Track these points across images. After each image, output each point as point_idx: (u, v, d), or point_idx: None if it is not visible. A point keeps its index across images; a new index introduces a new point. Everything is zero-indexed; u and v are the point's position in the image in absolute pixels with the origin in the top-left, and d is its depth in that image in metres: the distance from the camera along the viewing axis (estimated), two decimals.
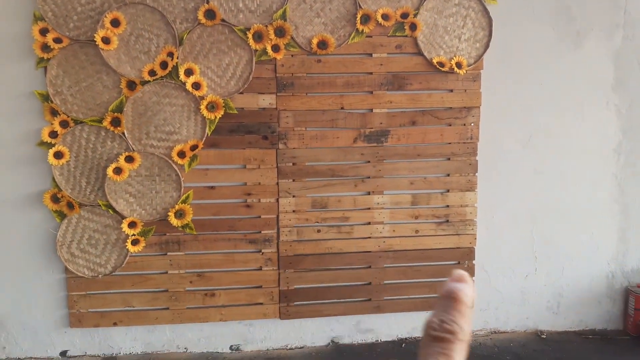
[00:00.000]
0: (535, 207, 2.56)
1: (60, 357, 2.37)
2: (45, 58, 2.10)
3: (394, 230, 2.43)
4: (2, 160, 2.19)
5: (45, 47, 2.09)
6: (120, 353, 2.39)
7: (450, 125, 2.40)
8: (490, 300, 2.61)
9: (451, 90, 2.37)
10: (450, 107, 2.38)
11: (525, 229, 2.58)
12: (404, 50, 2.30)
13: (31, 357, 2.35)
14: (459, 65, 2.32)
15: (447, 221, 2.47)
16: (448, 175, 2.44)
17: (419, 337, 2.56)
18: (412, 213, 2.44)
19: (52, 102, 2.13)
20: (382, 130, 2.35)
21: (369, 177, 2.39)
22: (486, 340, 2.59)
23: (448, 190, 2.45)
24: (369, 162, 2.38)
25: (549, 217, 2.57)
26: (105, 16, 2.06)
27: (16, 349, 2.34)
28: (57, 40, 2.08)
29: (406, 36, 2.29)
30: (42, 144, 2.16)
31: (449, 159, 2.43)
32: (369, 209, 2.41)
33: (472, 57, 2.35)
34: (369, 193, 2.41)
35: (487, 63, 2.36)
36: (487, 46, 2.33)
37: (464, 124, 2.40)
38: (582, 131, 2.51)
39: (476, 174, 2.44)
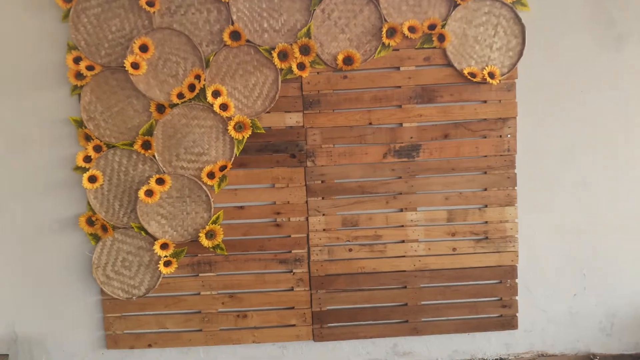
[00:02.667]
0: (581, 220, 2.40)
1: None
2: (79, 85, 2.17)
3: (429, 249, 2.34)
4: (40, 185, 2.26)
5: (78, 75, 2.16)
6: None
7: (485, 137, 2.29)
8: (535, 321, 2.45)
9: (485, 102, 2.28)
10: (485, 119, 2.28)
11: (570, 244, 2.42)
12: (433, 62, 2.24)
13: None
14: (491, 75, 2.23)
15: (486, 238, 2.35)
16: (485, 189, 2.33)
17: None
18: (448, 230, 2.34)
19: (85, 127, 2.19)
20: (412, 144, 2.28)
21: (400, 194, 2.31)
22: None
23: (486, 206, 2.34)
24: (400, 177, 2.30)
25: (596, 230, 2.40)
26: (134, 42, 2.11)
27: None
28: (90, 68, 2.15)
29: (435, 48, 2.23)
30: (77, 168, 2.22)
31: (485, 172, 2.32)
32: (402, 226, 2.33)
33: (506, 66, 2.25)
34: (401, 210, 2.33)
35: (522, 72, 2.26)
36: (520, 54, 2.23)
37: (500, 136, 2.29)
38: (628, 139, 2.35)
39: (515, 188, 2.32)
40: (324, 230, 2.31)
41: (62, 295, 2.34)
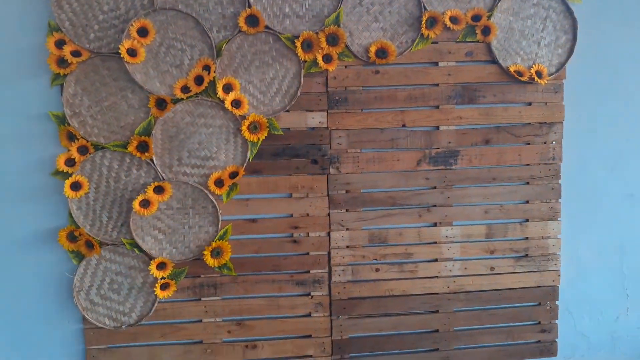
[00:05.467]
0: (627, 237, 2.19)
1: None
2: (61, 74, 1.80)
3: (465, 268, 2.07)
4: (13, 191, 1.88)
5: (61, 62, 1.79)
6: None
7: (529, 143, 2.04)
8: (576, 347, 2.22)
9: (530, 104, 2.03)
10: (529, 123, 2.03)
11: (614, 263, 2.20)
12: (476, 58, 1.97)
13: None
14: (539, 74, 1.98)
15: (527, 256, 2.10)
16: (527, 202, 2.08)
17: None
18: (486, 247, 2.08)
19: (69, 124, 1.82)
20: (450, 150, 2.01)
21: (435, 206, 2.04)
22: None
23: (527, 220, 2.09)
24: (435, 188, 2.03)
25: None
26: (132, 24, 1.77)
27: None
28: (76, 54, 1.79)
29: (478, 42, 1.96)
30: (58, 173, 1.85)
31: (528, 183, 2.07)
32: (436, 243, 2.05)
33: (554, 65, 2.01)
34: (435, 224, 2.05)
35: (571, 72, 2.02)
36: (570, 52, 1.99)
37: (545, 142, 2.05)
38: None
39: (559, 200, 2.08)
40: (347, 247, 2.01)
41: (36, 323, 1.96)
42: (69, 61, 1.78)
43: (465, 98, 1.99)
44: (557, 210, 2.08)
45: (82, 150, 1.84)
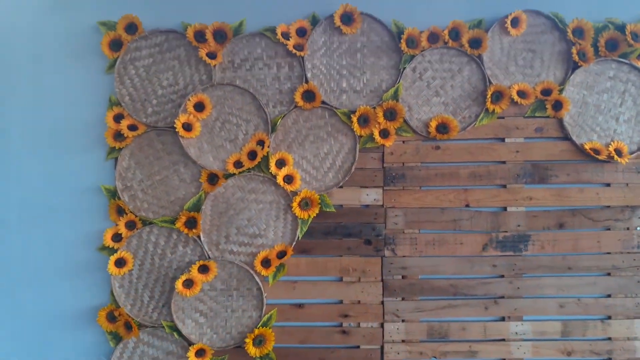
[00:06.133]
0: None
1: None
2: (117, 148, 1.80)
3: None
4: (59, 265, 1.83)
5: (117, 135, 1.79)
6: None
7: (609, 229, 1.82)
8: None
9: (608, 185, 1.83)
10: (608, 206, 1.82)
11: None
12: (546, 134, 1.83)
13: None
14: (618, 152, 1.80)
15: (610, 359, 1.81)
16: (609, 296, 1.82)
17: None
18: (562, 347, 1.81)
19: (119, 198, 1.80)
20: (520, 234, 1.82)
21: (503, 297, 1.82)
22: None
23: (610, 317, 1.82)
24: (503, 276, 1.82)
25: None
26: (189, 99, 1.77)
27: None
28: (132, 128, 1.79)
29: (548, 117, 1.82)
30: (104, 248, 1.80)
31: (609, 274, 1.82)
32: (504, 340, 1.81)
33: (635, 143, 1.82)
34: (503, 319, 1.82)
35: None
36: None
37: (628, 228, 1.82)
38: None
39: None
40: (403, 341, 1.81)
41: None
42: (125, 135, 1.78)
43: (536, 177, 1.83)
44: None
45: (130, 225, 1.79)
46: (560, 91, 1.80)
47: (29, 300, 1.85)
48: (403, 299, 1.82)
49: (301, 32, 1.81)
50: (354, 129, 1.79)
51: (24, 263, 1.85)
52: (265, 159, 1.78)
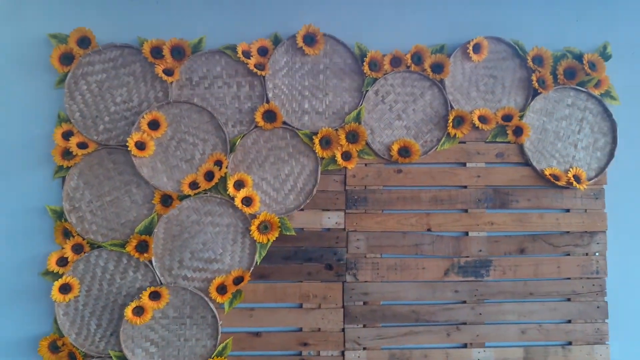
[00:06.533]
0: None
1: None
2: (65, 166, 1.71)
3: None
4: (0, 292, 1.73)
5: (66, 154, 1.70)
6: None
7: (568, 254, 1.83)
8: None
9: (568, 210, 1.84)
10: (568, 232, 1.83)
11: None
12: (507, 160, 1.83)
13: None
14: (577, 178, 1.82)
15: None
16: (569, 321, 1.82)
17: None
18: None
19: (66, 220, 1.70)
20: (481, 259, 1.81)
21: (465, 323, 1.79)
22: None
23: (570, 343, 1.82)
24: (465, 302, 1.80)
25: None
26: (143, 116, 1.69)
27: None
28: (82, 145, 1.70)
29: (509, 142, 1.83)
30: (48, 273, 1.69)
31: (569, 299, 1.82)
32: None
33: (593, 169, 1.85)
34: (465, 345, 1.79)
35: (612, 176, 1.85)
36: (611, 156, 1.84)
37: (587, 254, 1.83)
38: None
39: (606, 321, 1.82)
40: None
41: None
42: (74, 153, 1.68)
43: (497, 202, 1.82)
44: (604, 332, 1.81)
45: (77, 249, 1.69)
46: (521, 117, 1.82)
47: None
48: (364, 325, 1.77)
49: (263, 52, 1.77)
50: (316, 151, 1.75)
51: None
52: (223, 180, 1.72)
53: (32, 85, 1.75)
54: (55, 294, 1.65)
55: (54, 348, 1.66)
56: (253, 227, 1.72)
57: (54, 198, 1.72)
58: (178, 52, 1.74)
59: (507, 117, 1.81)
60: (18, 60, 1.75)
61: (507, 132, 1.82)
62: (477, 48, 1.82)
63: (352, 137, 1.78)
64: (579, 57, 1.84)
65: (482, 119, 1.81)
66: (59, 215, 1.71)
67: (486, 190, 1.82)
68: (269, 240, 1.73)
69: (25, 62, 1.75)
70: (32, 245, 1.71)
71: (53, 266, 1.67)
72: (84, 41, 1.73)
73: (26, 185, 1.73)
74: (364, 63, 1.77)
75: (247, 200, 1.73)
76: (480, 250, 1.81)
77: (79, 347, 1.67)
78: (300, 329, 1.76)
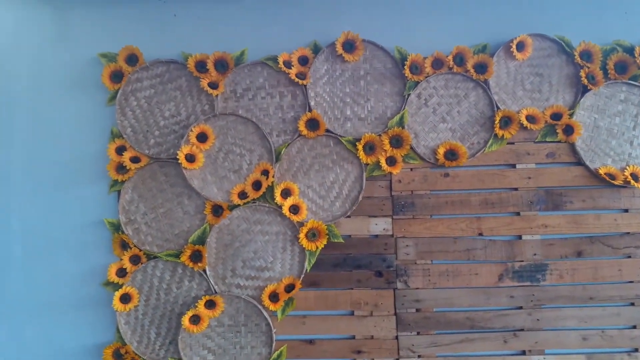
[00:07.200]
0: None
1: None
2: (119, 180, 1.78)
3: None
4: (64, 301, 1.79)
5: (120, 168, 1.77)
6: None
7: (630, 256, 1.75)
8: None
9: (626, 210, 1.77)
10: (628, 233, 1.76)
11: None
12: (559, 160, 1.78)
13: None
14: (634, 176, 1.74)
15: None
16: (634, 327, 1.73)
17: None
18: None
19: (123, 232, 1.76)
20: (537, 264, 1.75)
21: (522, 330, 1.73)
22: None
23: (637, 350, 1.73)
24: (521, 308, 1.74)
25: None
26: (191, 130, 1.75)
27: None
28: (135, 160, 1.77)
29: (560, 142, 1.78)
30: (108, 284, 1.76)
31: (632, 303, 1.74)
32: None
33: None
34: (524, 352, 1.73)
35: None
36: None
37: None
38: None
39: None
40: None
41: None
42: (128, 167, 1.76)
43: (550, 204, 1.77)
44: None
45: (135, 260, 1.75)
46: (571, 115, 1.76)
47: (32, 337, 1.80)
48: (418, 333, 1.74)
49: (303, 61, 1.80)
50: (360, 157, 1.76)
51: (28, 298, 1.81)
52: (270, 189, 1.75)
53: (86, 104, 1.83)
54: (117, 303, 1.71)
55: (117, 356, 1.72)
56: (301, 235, 1.74)
57: (110, 211, 1.79)
58: (221, 65, 1.79)
59: (556, 116, 1.76)
60: (71, 80, 1.85)
61: (557, 131, 1.77)
62: (520, 46, 1.78)
63: (396, 141, 1.77)
64: (629, 50, 1.77)
65: (530, 118, 1.76)
66: (116, 227, 1.78)
67: (538, 192, 1.77)
68: (317, 247, 1.74)
69: (78, 81, 1.84)
70: (92, 257, 1.79)
71: (113, 277, 1.74)
72: (132, 59, 1.81)
73: (84, 200, 1.81)
74: (405, 66, 1.77)
75: (294, 209, 1.75)
76: (535, 254, 1.75)
77: (141, 355, 1.72)
78: (353, 337, 1.75)
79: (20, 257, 1.82)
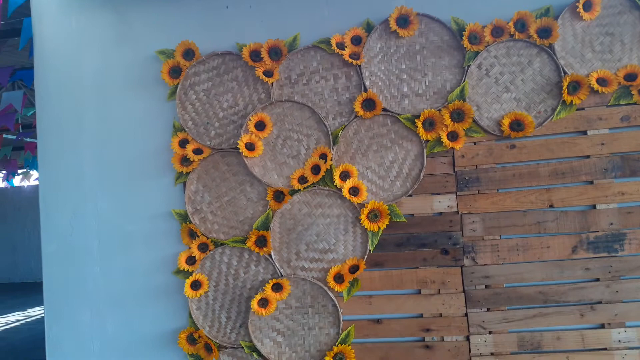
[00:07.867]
0: None
1: None
2: (184, 172, 1.84)
3: None
4: (138, 290, 1.88)
5: (184, 160, 1.83)
6: None
7: None
8: None
9: None
10: None
11: None
12: (634, 123, 1.66)
13: None
14: None
15: None
16: None
17: None
18: None
19: (190, 222, 1.83)
20: (613, 233, 1.66)
21: (600, 302, 1.66)
22: None
23: None
24: (598, 280, 1.66)
25: None
26: (250, 119, 1.77)
27: None
28: (197, 152, 1.82)
29: (635, 104, 1.66)
30: (179, 272, 1.83)
31: None
32: (606, 349, 1.64)
33: None
34: (603, 326, 1.66)
35: None
36: None
37: None
38: None
39: None
40: (492, 354, 1.69)
41: None
42: (191, 159, 1.81)
43: (626, 170, 1.66)
44: None
45: (203, 248, 1.81)
46: None
47: (111, 326, 1.91)
48: (488, 309, 1.70)
49: (356, 41, 1.77)
50: (420, 134, 1.72)
51: (107, 290, 1.92)
52: (329, 172, 1.75)
53: (148, 101, 1.90)
54: (188, 290, 1.79)
55: (191, 340, 1.80)
56: (363, 216, 1.73)
57: (177, 202, 1.86)
58: (275, 52, 1.79)
59: (631, 77, 1.64)
60: (133, 79, 1.91)
61: (632, 92, 1.65)
62: (587, 5, 1.66)
63: (458, 115, 1.71)
64: None
65: (602, 81, 1.65)
66: (184, 217, 1.84)
67: (612, 158, 1.67)
68: (379, 228, 1.73)
69: (139, 80, 1.91)
70: (163, 247, 1.87)
71: (183, 265, 1.81)
72: (189, 53, 1.84)
73: (152, 192, 1.89)
74: (463, 37, 1.70)
75: (354, 190, 1.74)
76: (612, 224, 1.66)
77: (213, 339, 1.79)
78: (421, 315, 1.74)
79: (97, 251, 1.93)
